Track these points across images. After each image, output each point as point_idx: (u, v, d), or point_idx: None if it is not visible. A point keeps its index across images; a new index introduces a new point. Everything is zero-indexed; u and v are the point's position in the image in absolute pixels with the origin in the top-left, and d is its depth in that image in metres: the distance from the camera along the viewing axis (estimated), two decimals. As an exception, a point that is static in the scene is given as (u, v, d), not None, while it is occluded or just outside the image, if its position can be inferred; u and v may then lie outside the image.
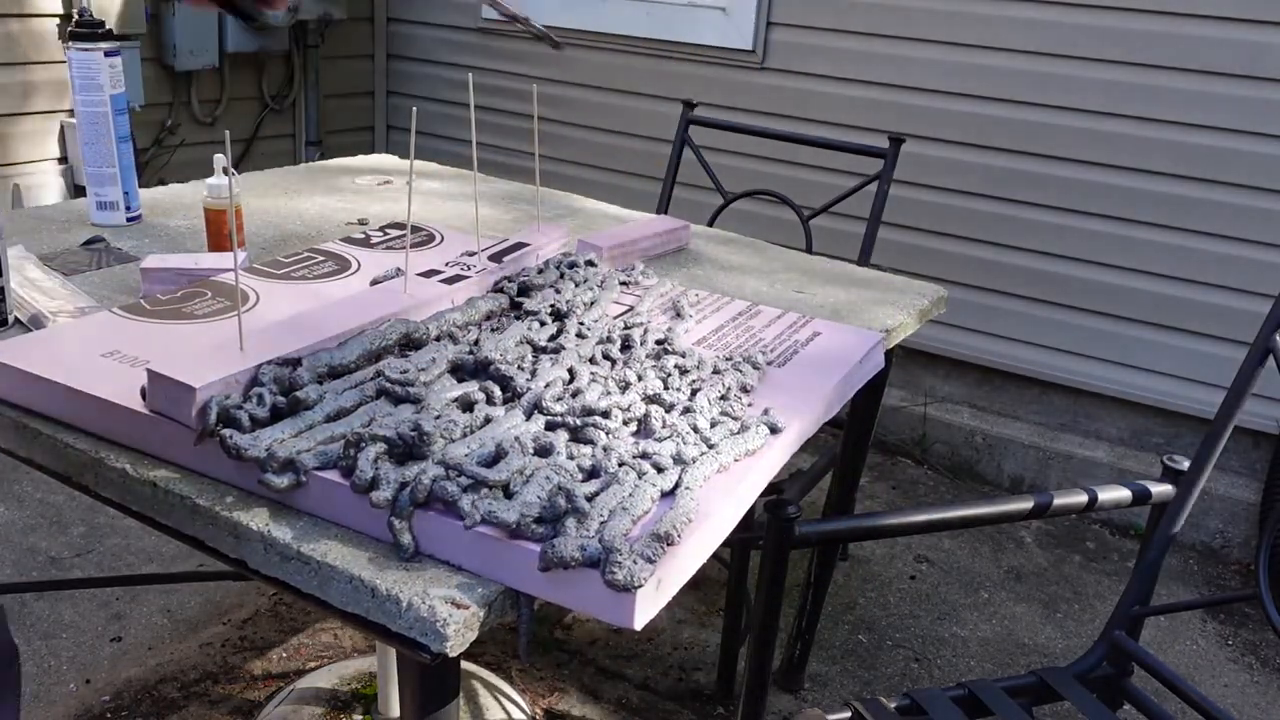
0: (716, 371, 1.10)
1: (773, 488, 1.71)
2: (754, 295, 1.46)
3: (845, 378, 1.18)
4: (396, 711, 1.72)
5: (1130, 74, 2.58)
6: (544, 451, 0.87)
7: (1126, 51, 2.57)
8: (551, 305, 1.18)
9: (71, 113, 2.80)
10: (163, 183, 1.90)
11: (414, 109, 1.10)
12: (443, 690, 0.86)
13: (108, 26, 1.50)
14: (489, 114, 3.48)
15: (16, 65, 2.72)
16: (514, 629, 0.81)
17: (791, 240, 1.96)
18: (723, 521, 0.89)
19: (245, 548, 0.84)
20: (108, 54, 1.49)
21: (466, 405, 0.94)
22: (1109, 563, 2.60)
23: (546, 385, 0.99)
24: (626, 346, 1.12)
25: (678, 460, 0.91)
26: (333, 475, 0.84)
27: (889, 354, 1.43)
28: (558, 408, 0.95)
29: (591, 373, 1.03)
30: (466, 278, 1.21)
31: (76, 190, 2.96)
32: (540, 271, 1.30)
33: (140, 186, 1.59)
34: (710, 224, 2.08)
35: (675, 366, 1.07)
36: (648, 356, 1.10)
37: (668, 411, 0.99)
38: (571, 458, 0.87)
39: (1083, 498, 1.34)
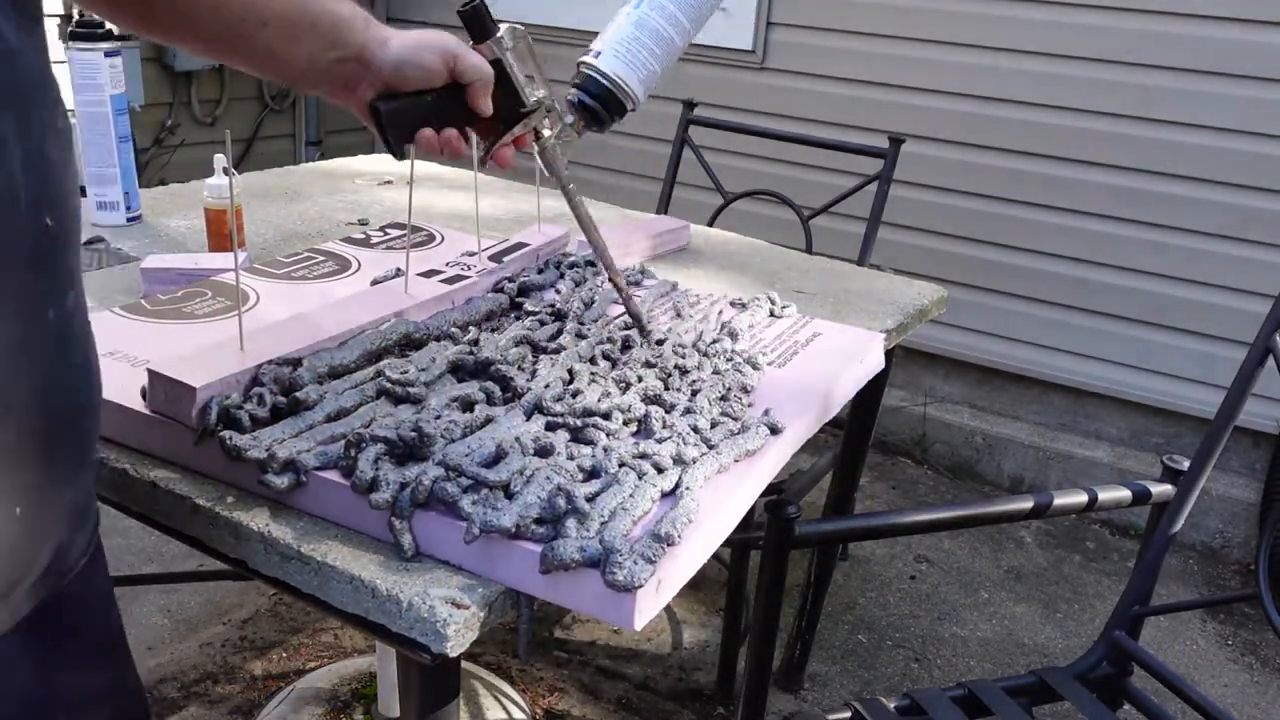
0: (717, 372, 1.10)
1: (773, 488, 1.71)
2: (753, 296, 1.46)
3: (845, 378, 1.18)
4: (396, 711, 1.72)
5: (1130, 74, 2.58)
6: (544, 452, 0.87)
7: (1126, 51, 2.57)
8: (551, 305, 1.18)
9: (72, 112, 2.80)
10: (163, 183, 1.90)
11: (414, 109, 1.09)
12: (443, 690, 0.86)
13: (108, 27, 1.50)
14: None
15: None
16: (514, 629, 0.81)
17: (791, 240, 1.96)
18: (723, 522, 0.89)
19: (245, 548, 0.84)
20: (108, 54, 1.49)
21: (467, 405, 0.94)
22: (1109, 563, 2.60)
23: (546, 386, 0.99)
24: (627, 347, 1.12)
25: (678, 461, 0.91)
26: (333, 475, 0.84)
27: (889, 354, 1.43)
28: (558, 408, 0.95)
29: (591, 373, 1.03)
30: (466, 278, 1.21)
31: (76, 190, 2.96)
32: (540, 271, 1.30)
33: (140, 186, 1.60)
34: (710, 224, 2.08)
35: (675, 367, 1.07)
36: (650, 359, 1.10)
37: (668, 412, 0.99)
38: (571, 458, 0.87)
39: (1083, 498, 1.34)
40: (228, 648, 2.02)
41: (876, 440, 3.02)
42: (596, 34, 1.15)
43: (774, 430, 1.00)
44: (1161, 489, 1.40)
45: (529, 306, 1.19)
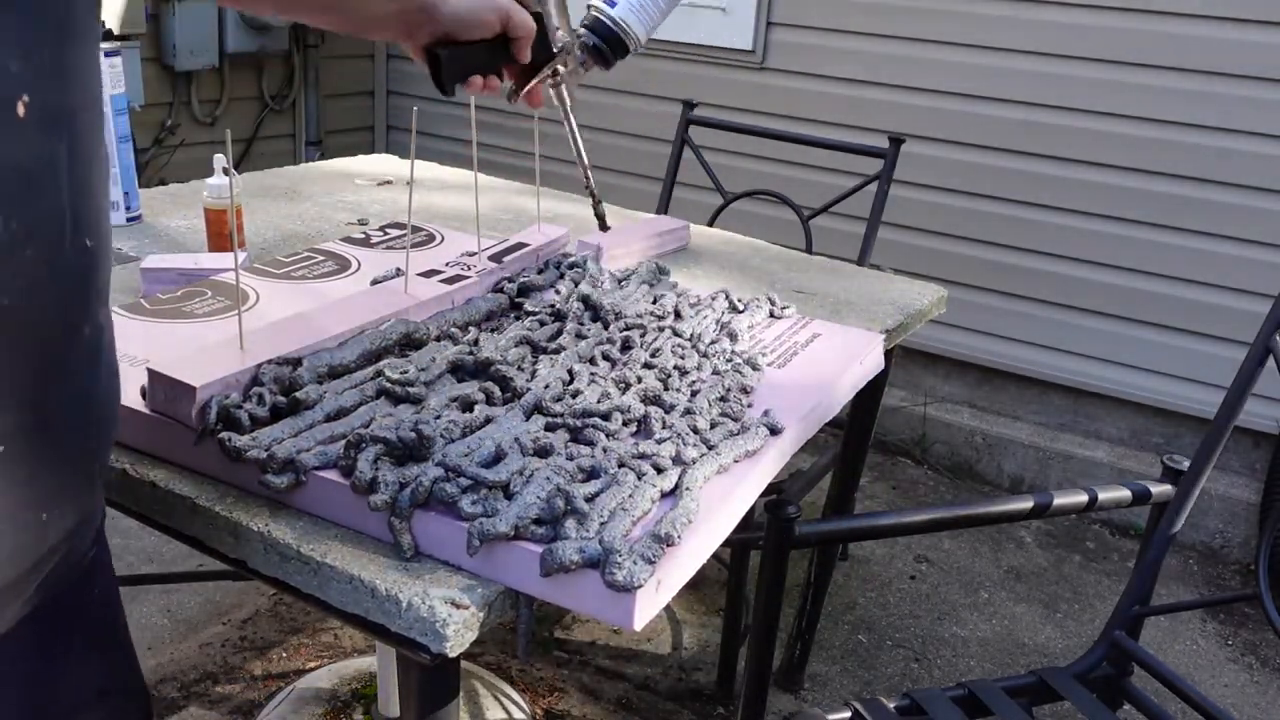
0: (716, 372, 1.10)
1: (773, 488, 1.71)
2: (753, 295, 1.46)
3: (845, 378, 1.18)
4: (396, 711, 1.72)
5: (1130, 74, 2.58)
6: (544, 452, 0.87)
7: (1126, 51, 2.57)
8: (551, 305, 1.18)
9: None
10: (163, 183, 1.90)
11: (414, 109, 1.10)
12: (443, 690, 0.86)
13: (108, 26, 1.50)
14: (489, 114, 3.48)
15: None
16: (514, 629, 0.81)
17: (791, 240, 1.96)
18: (723, 522, 0.89)
19: (245, 548, 0.84)
20: (108, 54, 1.49)
21: (466, 405, 0.94)
22: (1109, 563, 2.60)
23: (546, 386, 0.99)
24: (627, 347, 1.12)
25: (677, 461, 0.91)
26: (333, 475, 0.84)
27: (889, 354, 1.43)
28: (557, 408, 0.95)
29: (591, 374, 1.03)
30: (466, 278, 1.21)
31: (76, 190, 2.96)
32: (540, 271, 1.30)
33: (140, 186, 1.59)
34: (710, 224, 2.08)
35: (675, 367, 1.07)
36: (650, 358, 1.10)
37: (667, 412, 0.99)
38: (571, 458, 0.87)
39: (1083, 498, 1.34)
40: (228, 648, 2.02)
41: (876, 440, 3.02)
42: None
43: (774, 430, 1.00)
44: (1161, 489, 1.40)
45: (529, 306, 1.19)
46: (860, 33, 2.89)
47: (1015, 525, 2.71)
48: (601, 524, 0.79)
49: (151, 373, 0.90)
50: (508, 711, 1.84)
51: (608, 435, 0.92)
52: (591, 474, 0.86)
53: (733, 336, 1.19)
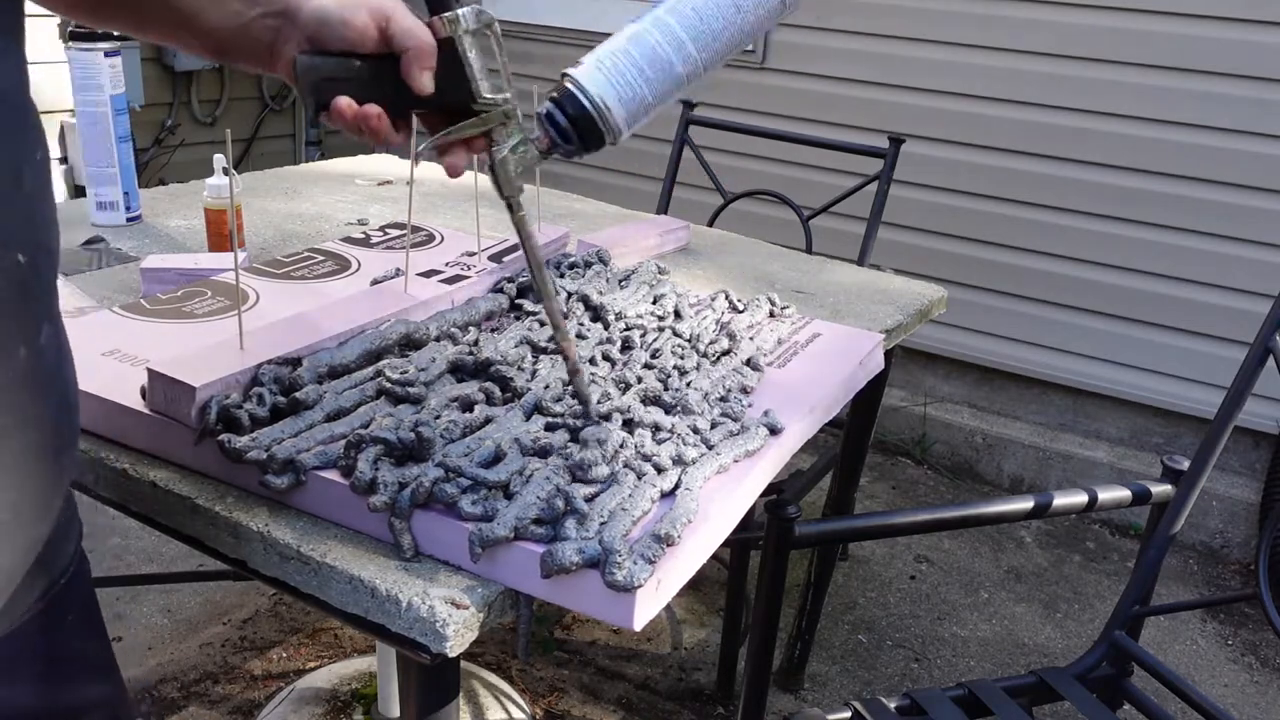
0: (714, 370, 1.09)
1: (773, 488, 1.71)
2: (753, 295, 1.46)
3: (845, 378, 1.18)
4: (396, 711, 1.72)
5: (1130, 74, 2.58)
6: (544, 452, 0.87)
7: (1126, 51, 2.57)
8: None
9: (72, 112, 2.80)
10: (163, 183, 1.90)
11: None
12: (443, 690, 0.86)
13: (108, 26, 1.50)
14: (489, 114, 3.47)
15: (16, 65, 2.71)
16: (514, 629, 0.81)
17: (791, 240, 1.96)
18: (723, 522, 0.89)
19: (245, 548, 0.84)
20: (108, 54, 1.49)
21: (466, 405, 0.94)
22: (1109, 563, 2.60)
23: (546, 386, 0.99)
24: (627, 347, 1.12)
25: (677, 461, 0.91)
26: (333, 475, 0.84)
27: (889, 354, 1.43)
28: (557, 408, 0.95)
29: (591, 374, 1.03)
30: (466, 278, 1.21)
31: (76, 190, 2.96)
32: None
33: (140, 186, 1.59)
34: (710, 224, 2.08)
35: (675, 368, 1.07)
36: (651, 359, 1.10)
37: (668, 413, 0.99)
38: (570, 459, 0.87)
39: (1083, 498, 1.34)
40: (228, 648, 2.02)
41: (876, 440, 3.02)
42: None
43: (774, 431, 1.00)
44: (1161, 489, 1.40)
45: (529, 306, 1.19)
46: (860, 33, 2.89)
47: (1015, 525, 2.71)
48: (601, 524, 0.79)
49: (151, 373, 0.90)
50: (508, 711, 1.84)
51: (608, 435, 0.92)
52: (590, 472, 0.86)
53: (732, 336, 1.19)
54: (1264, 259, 2.52)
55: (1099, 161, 2.67)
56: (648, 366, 1.07)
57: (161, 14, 0.81)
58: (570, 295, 1.21)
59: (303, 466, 0.83)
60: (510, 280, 1.25)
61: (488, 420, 0.91)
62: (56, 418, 0.60)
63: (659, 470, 0.88)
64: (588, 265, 1.33)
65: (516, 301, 1.21)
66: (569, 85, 0.91)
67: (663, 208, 2.28)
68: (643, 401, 1.00)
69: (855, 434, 1.80)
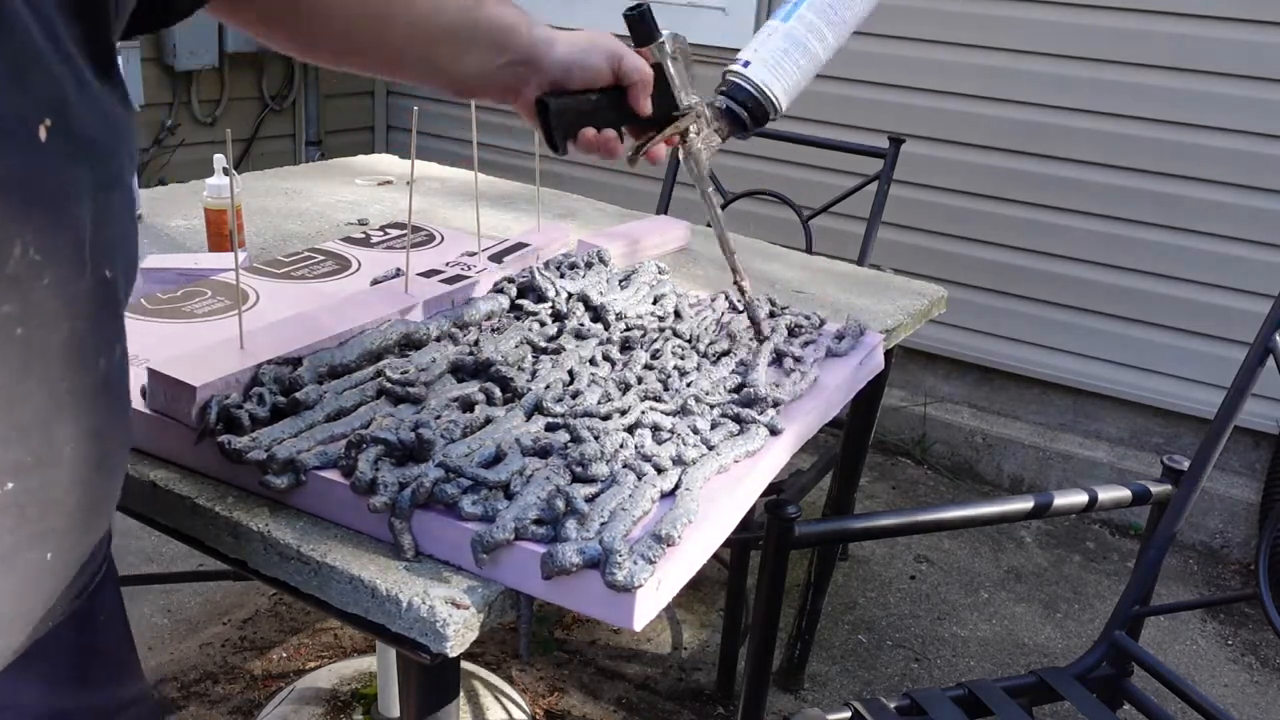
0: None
1: (773, 488, 1.71)
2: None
3: (845, 378, 1.18)
4: (396, 711, 1.72)
5: (1130, 74, 2.58)
6: (544, 452, 0.87)
7: (1126, 51, 2.57)
8: (551, 306, 1.18)
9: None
10: (163, 183, 1.90)
11: (414, 109, 1.10)
12: (443, 690, 0.86)
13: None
14: (489, 114, 3.48)
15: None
16: (514, 629, 0.81)
17: (791, 240, 1.96)
18: (723, 522, 0.89)
19: (245, 548, 0.84)
20: (108, 54, 1.49)
21: (467, 406, 0.94)
22: (1109, 563, 2.60)
23: (546, 386, 0.99)
24: (627, 348, 1.12)
25: (677, 461, 0.91)
26: (333, 475, 0.84)
27: (889, 354, 1.43)
28: (558, 409, 0.95)
29: (591, 374, 1.03)
30: (467, 278, 1.21)
31: (76, 190, 2.96)
32: (541, 272, 1.30)
33: (140, 186, 1.59)
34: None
35: (675, 368, 1.07)
36: (651, 359, 1.10)
37: (668, 413, 0.99)
38: (569, 459, 0.87)
39: (1083, 498, 1.34)
40: (228, 648, 2.02)
41: (876, 440, 3.02)
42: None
43: (774, 431, 1.00)
44: (1161, 489, 1.40)
45: (529, 307, 1.19)
46: (860, 33, 2.88)
47: (1015, 525, 2.71)
48: (602, 524, 0.79)
49: (151, 373, 0.90)
50: (508, 711, 1.84)
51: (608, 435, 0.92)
52: (590, 472, 0.86)
53: (732, 337, 1.19)
54: (1264, 259, 2.52)
55: (1099, 161, 2.67)
56: (648, 367, 1.07)
57: (415, 63, 0.91)
58: (570, 295, 1.21)
59: (303, 466, 0.83)
60: (510, 280, 1.25)
61: (488, 420, 0.92)
62: (122, 429, 0.63)
63: (659, 470, 0.88)
64: (588, 265, 1.33)
65: (516, 301, 1.21)
66: (736, 80, 1.15)
67: (663, 208, 2.28)
68: (643, 402, 1.00)
69: (855, 434, 1.80)
